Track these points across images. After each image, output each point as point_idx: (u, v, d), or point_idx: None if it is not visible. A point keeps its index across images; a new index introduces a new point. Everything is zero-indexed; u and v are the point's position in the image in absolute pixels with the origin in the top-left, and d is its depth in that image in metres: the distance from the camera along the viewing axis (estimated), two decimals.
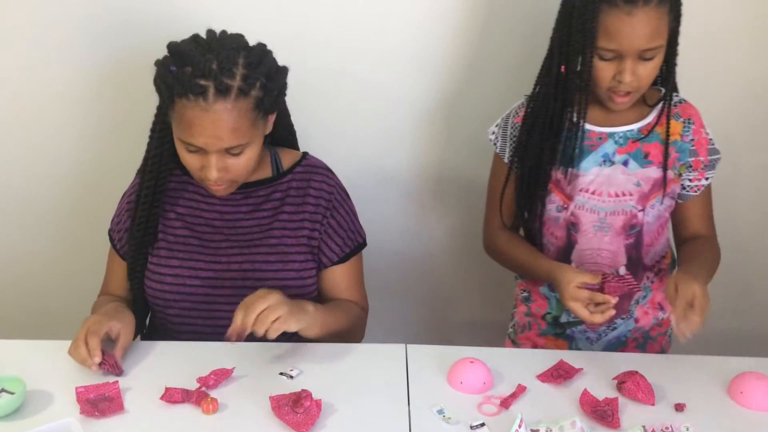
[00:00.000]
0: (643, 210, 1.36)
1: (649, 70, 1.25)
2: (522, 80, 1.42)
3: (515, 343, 1.56)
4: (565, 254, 1.41)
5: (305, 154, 1.41)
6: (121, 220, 1.39)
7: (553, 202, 1.38)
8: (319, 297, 1.40)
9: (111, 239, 1.41)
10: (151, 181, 1.31)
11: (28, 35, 1.64)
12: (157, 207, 1.33)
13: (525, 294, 1.53)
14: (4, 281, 1.91)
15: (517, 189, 1.41)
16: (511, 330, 1.59)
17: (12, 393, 1.10)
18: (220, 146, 1.19)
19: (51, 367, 1.20)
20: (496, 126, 1.44)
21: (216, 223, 1.35)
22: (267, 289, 1.19)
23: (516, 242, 1.45)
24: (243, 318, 1.14)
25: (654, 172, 1.35)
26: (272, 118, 1.28)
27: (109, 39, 1.65)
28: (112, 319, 1.22)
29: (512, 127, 1.41)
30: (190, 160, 1.23)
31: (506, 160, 1.42)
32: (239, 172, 1.25)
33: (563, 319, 1.48)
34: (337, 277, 1.39)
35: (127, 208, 1.37)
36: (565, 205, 1.37)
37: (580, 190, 1.35)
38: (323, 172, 1.38)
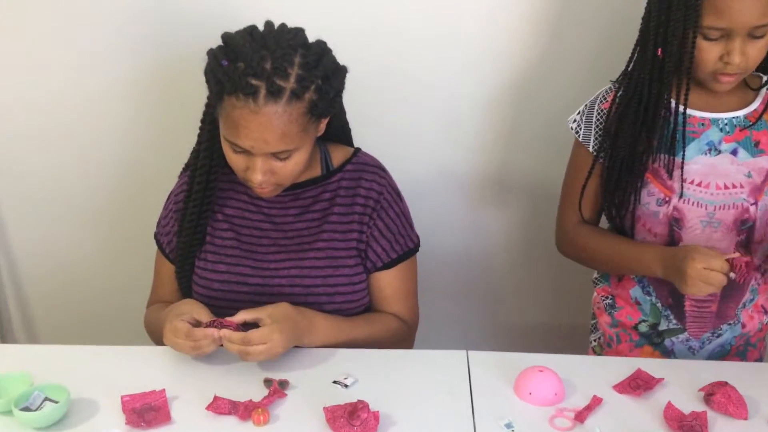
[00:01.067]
0: (756, 203, 1.24)
1: (758, 49, 1.14)
2: (595, 73, 1.32)
3: None
4: None
5: (357, 150, 1.33)
6: (168, 222, 1.33)
7: (652, 194, 1.26)
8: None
9: (158, 243, 1.36)
10: (201, 177, 1.24)
11: (75, 34, 1.61)
12: (207, 207, 1.27)
13: (608, 301, 1.39)
14: (50, 286, 1.88)
15: (605, 181, 1.29)
16: (595, 343, 1.46)
17: (56, 402, 1.05)
18: (267, 150, 1.12)
19: (96, 375, 1.15)
20: (579, 113, 1.32)
21: (263, 225, 1.28)
22: (277, 327, 1.13)
23: (601, 233, 1.34)
24: (238, 343, 1.11)
25: (765, 162, 1.23)
26: (325, 121, 1.20)
27: (158, 35, 1.60)
28: (182, 314, 1.16)
29: (599, 114, 1.29)
30: (235, 159, 1.17)
31: (591, 149, 1.30)
32: (285, 176, 1.18)
33: (663, 326, 1.34)
34: (383, 285, 1.31)
35: (175, 209, 1.32)
36: (667, 198, 1.25)
37: (685, 181, 1.24)
38: (374, 170, 1.30)
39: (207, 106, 1.22)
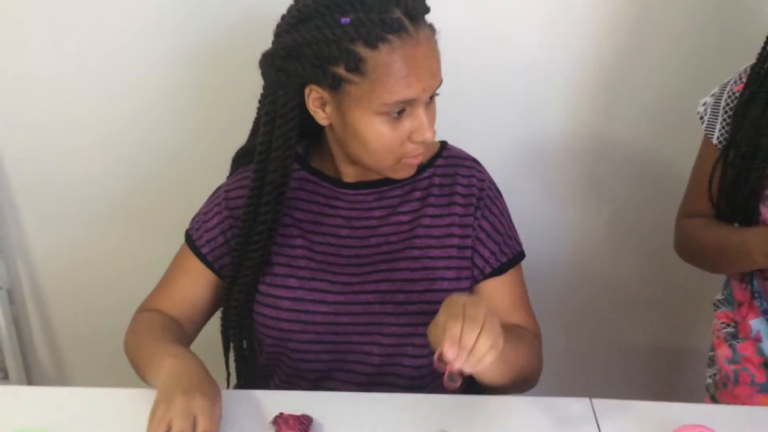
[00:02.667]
0: None
1: None
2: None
3: (716, 401, 1.15)
4: None
5: (444, 143, 1.10)
6: (209, 218, 1.07)
7: None
8: None
9: (190, 241, 1.08)
10: (276, 174, 0.98)
11: (109, 21, 1.38)
12: (279, 210, 1.01)
13: (730, 329, 1.12)
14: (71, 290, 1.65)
15: (727, 182, 1.03)
16: (710, 381, 1.18)
17: None
18: (435, 85, 0.94)
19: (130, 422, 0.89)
20: (712, 95, 1.07)
21: (341, 231, 1.03)
22: (462, 297, 0.84)
23: (715, 223, 1.09)
24: (458, 354, 0.78)
25: None
26: None
27: (195, 24, 1.36)
28: (195, 402, 0.84)
29: (729, 97, 1.04)
30: (393, 133, 0.93)
31: (715, 140, 1.05)
32: (434, 128, 0.97)
33: None
34: (496, 294, 1.05)
35: (230, 214, 1.06)
36: None
37: None
38: (471, 163, 1.08)
39: (276, 86, 0.95)
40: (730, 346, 1.12)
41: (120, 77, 1.42)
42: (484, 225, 1.04)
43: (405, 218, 1.03)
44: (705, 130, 1.07)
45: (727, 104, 1.04)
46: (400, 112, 0.92)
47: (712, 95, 1.08)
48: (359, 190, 1.04)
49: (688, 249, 1.13)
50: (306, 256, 1.03)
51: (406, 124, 0.92)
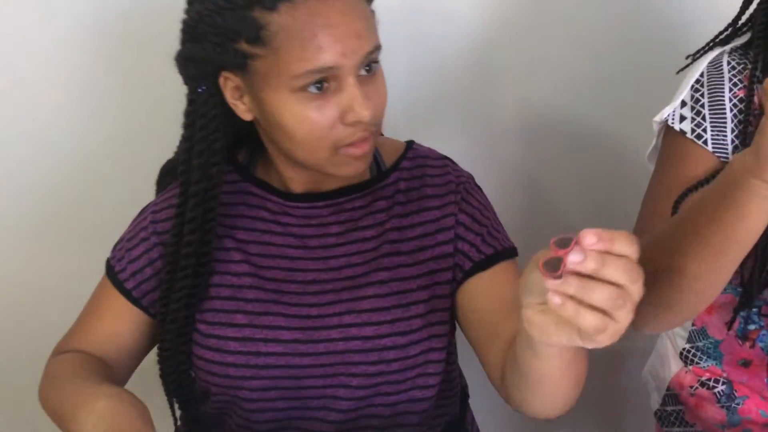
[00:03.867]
0: None
1: None
2: None
3: None
4: None
5: (410, 143, 0.95)
6: (133, 246, 0.90)
7: None
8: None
9: (112, 273, 0.91)
10: (200, 184, 0.83)
11: None
12: (209, 230, 0.85)
13: (720, 388, 0.98)
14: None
15: None
16: None
17: None
18: (363, 49, 0.76)
19: None
20: (683, 104, 0.89)
21: (294, 253, 0.88)
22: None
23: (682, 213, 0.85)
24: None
25: None
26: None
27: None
28: None
29: (733, 98, 0.87)
30: (318, 114, 0.77)
31: (711, 148, 0.87)
32: (381, 103, 0.81)
33: None
34: (482, 293, 0.86)
35: (154, 231, 0.90)
36: None
37: None
38: (441, 161, 0.93)
39: (193, 81, 0.82)
40: (726, 408, 0.99)
41: (13, 67, 1.21)
42: (462, 219, 0.88)
43: (369, 234, 0.88)
44: (696, 139, 0.88)
45: (733, 107, 0.87)
46: (321, 87, 0.75)
47: (685, 104, 0.90)
48: (312, 203, 0.89)
49: (644, 266, 0.81)
50: (254, 285, 0.87)
51: (334, 101, 0.76)
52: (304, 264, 0.87)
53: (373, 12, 0.80)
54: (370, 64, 0.78)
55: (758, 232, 0.71)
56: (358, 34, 0.75)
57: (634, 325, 0.82)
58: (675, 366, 1.06)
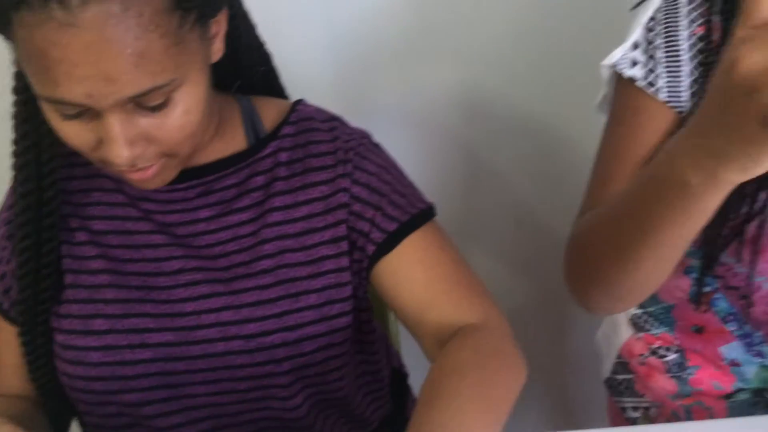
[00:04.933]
0: None
1: None
2: None
3: None
4: None
5: (297, 102, 0.80)
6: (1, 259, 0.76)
7: None
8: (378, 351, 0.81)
9: None
10: (31, 183, 0.69)
11: None
12: (50, 221, 0.71)
13: (671, 357, 0.89)
14: None
15: None
16: (637, 415, 0.94)
17: None
18: (118, 95, 0.59)
19: None
20: (635, 46, 0.76)
21: (157, 239, 0.74)
22: None
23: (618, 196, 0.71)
24: None
25: None
26: (219, 29, 0.67)
27: None
28: None
29: (675, 40, 0.73)
30: (72, 133, 0.62)
31: (666, 97, 0.74)
32: (173, 139, 0.64)
33: None
34: (397, 278, 0.73)
35: (7, 236, 0.75)
36: None
37: None
38: (330, 123, 0.78)
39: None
40: (677, 378, 0.89)
41: None
42: (357, 192, 0.74)
43: (245, 216, 0.74)
44: (652, 92, 0.74)
45: (671, 52, 0.74)
46: (75, 111, 0.61)
47: (637, 45, 0.76)
48: (175, 184, 0.73)
49: (587, 248, 0.71)
50: (113, 283, 0.73)
51: (91, 127, 0.62)
52: (171, 251, 0.73)
53: (171, 41, 0.60)
54: (143, 103, 0.61)
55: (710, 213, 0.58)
56: (108, 78, 0.57)
57: (587, 307, 0.72)
58: (626, 332, 0.95)
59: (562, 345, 1.38)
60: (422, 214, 0.76)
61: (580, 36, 1.15)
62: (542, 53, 1.18)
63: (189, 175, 0.74)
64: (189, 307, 0.72)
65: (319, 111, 0.80)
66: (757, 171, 0.48)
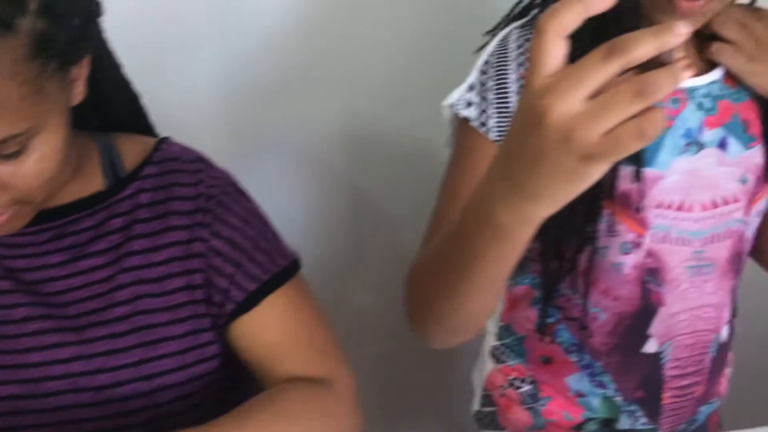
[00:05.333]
0: (747, 223, 0.84)
1: None
2: None
3: None
4: (636, 329, 0.84)
5: (162, 141, 0.79)
6: None
7: (615, 234, 0.79)
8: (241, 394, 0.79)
9: None
10: None
11: None
12: None
13: (525, 388, 0.93)
14: None
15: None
16: None
17: None
18: None
19: None
20: (470, 87, 0.81)
21: (3, 285, 0.72)
22: None
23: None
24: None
25: (759, 155, 0.83)
26: (80, 74, 0.67)
27: None
28: None
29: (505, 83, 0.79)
30: None
31: (497, 137, 0.78)
32: (29, 187, 0.64)
33: (623, 424, 0.89)
34: (254, 336, 0.76)
35: None
36: (638, 240, 0.80)
37: (658, 206, 0.79)
38: (195, 164, 0.78)
39: None
40: (530, 409, 0.93)
41: None
42: (217, 246, 0.74)
43: (100, 261, 0.73)
44: (476, 125, 0.80)
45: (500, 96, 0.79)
46: None
47: (472, 87, 0.81)
48: (26, 228, 0.71)
49: (420, 283, 0.71)
50: None
51: None
52: (16, 300, 0.71)
53: (30, 89, 0.59)
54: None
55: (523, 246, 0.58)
56: None
57: (426, 340, 0.74)
58: (489, 364, 1.00)
59: (447, 378, 1.41)
60: (284, 272, 0.78)
61: (464, 63, 1.19)
62: (427, 80, 1.21)
63: (42, 217, 0.72)
64: (36, 357, 0.70)
65: (186, 150, 0.79)
66: (565, 202, 0.51)
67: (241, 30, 1.12)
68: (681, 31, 0.43)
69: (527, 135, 0.47)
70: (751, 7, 0.83)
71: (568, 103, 0.45)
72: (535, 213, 0.52)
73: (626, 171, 0.77)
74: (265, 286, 0.75)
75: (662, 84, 0.43)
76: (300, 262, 0.81)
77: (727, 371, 0.96)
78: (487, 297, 0.65)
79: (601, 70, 0.44)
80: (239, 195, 0.79)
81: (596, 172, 0.47)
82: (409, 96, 1.20)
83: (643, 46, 0.43)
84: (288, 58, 1.15)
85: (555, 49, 0.46)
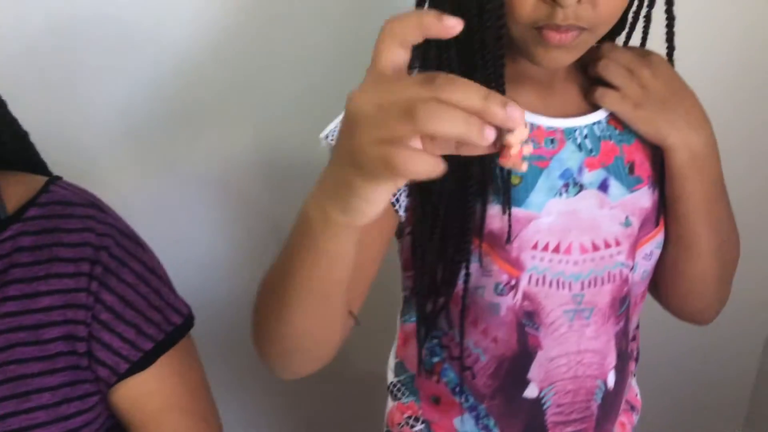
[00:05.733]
0: (632, 267, 0.81)
1: None
2: None
3: None
4: (515, 372, 0.81)
5: (53, 180, 0.77)
6: None
7: (489, 274, 0.77)
8: None
9: None
10: None
11: None
12: None
13: (421, 427, 0.90)
14: None
15: (413, 255, 0.79)
16: None
17: None
18: None
19: None
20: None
21: None
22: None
23: None
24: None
25: (645, 198, 0.81)
26: None
27: None
28: None
29: None
30: None
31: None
32: None
33: None
34: (143, 396, 0.76)
35: None
36: (512, 282, 0.78)
37: (534, 248, 0.77)
38: (86, 209, 0.75)
39: None
40: None
41: None
42: (108, 300, 0.73)
43: None
44: None
45: None
46: None
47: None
48: None
49: (258, 300, 0.66)
50: None
51: None
52: None
53: None
54: None
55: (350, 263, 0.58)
56: None
57: (270, 369, 0.72)
58: (389, 401, 0.97)
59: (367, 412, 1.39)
60: (178, 330, 0.78)
61: None
62: (341, 103, 1.19)
63: None
64: None
65: (78, 194, 0.77)
66: (357, 216, 0.49)
67: (146, 58, 1.12)
68: (513, 116, 0.42)
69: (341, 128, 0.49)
70: (640, 50, 0.80)
71: (364, 101, 0.45)
72: (329, 211, 0.51)
73: (495, 209, 0.75)
74: (160, 345, 0.76)
75: (437, 120, 0.42)
76: (193, 317, 0.80)
77: (628, 419, 0.93)
78: (315, 315, 0.62)
79: (409, 90, 0.43)
80: (135, 247, 0.77)
81: (365, 187, 0.47)
82: (322, 120, 1.19)
83: (464, 93, 0.42)
84: (196, 85, 1.15)
85: (390, 53, 0.46)
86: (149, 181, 0.97)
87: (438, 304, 0.80)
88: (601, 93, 0.77)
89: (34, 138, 0.81)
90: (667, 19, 0.78)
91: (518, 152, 0.46)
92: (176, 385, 0.78)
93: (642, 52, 0.79)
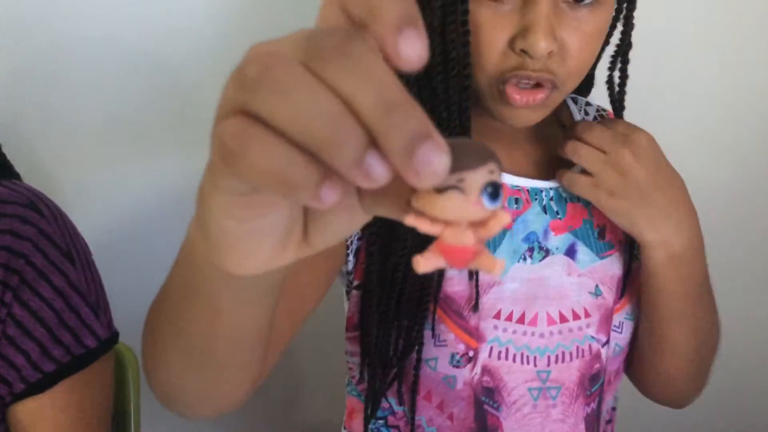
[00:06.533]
0: (607, 342, 0.73)
1: (587, 33, 0.60)
2: None
3: None
4: None
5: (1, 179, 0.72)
6: None
7: (443, 344, 0.68)
8: None
9: None
10: None
11: None
12: None
13: None
14: None
15: (360, 320, 0.71)
16: None
17: None
18: None
19: None
20: None
21: None
22: None
23: None
24: None
25: (616, 265, 0.73)
26: None
27: None
28: None
29: None
30: None
31: None
32: None
33: None
34: (34, 424, 0.68)
35: None
36: (470, 353, 0.69)
37: (496, 317, 0.68)
38: (18, 209, 0.68)
39: None
40: None
41: None
42: (19, 315, 0.66)
43: None
44: None
45: None
46: None
47: None
48: None
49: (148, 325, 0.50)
50: None
51: None
52: None
53: None
54: None
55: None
56: None
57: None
58: None
59: None
60: (97, 350, 0.70)
61: None
62: None
63: None
64: None
65: (22, 194, 0.69)
66: (219, 253, 0.33)
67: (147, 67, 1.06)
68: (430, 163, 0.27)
69: None
70: (624, 127, 0.68)
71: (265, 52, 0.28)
72: (194, 236, 0.36)
73: (452, 271, 0.68)
74: (63, 369, 0.68)
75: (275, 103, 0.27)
76: (115, 342, 0.73)
77: None
78: (199, 369, 0.47)
79: (284, 44, 0.28)
80: (61, 259, 0.69)
81: (211, 195, 0.31)
82: None
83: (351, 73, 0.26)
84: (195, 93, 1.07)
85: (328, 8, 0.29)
86: (152, 186, 0.90)
87: (389, 377, 0.72)
88: (569, 178, 0.68)
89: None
90: (620, 77, 0.71)
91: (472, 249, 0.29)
92: (72, 419, 0.69)
93: (626, 129, 0.67)
